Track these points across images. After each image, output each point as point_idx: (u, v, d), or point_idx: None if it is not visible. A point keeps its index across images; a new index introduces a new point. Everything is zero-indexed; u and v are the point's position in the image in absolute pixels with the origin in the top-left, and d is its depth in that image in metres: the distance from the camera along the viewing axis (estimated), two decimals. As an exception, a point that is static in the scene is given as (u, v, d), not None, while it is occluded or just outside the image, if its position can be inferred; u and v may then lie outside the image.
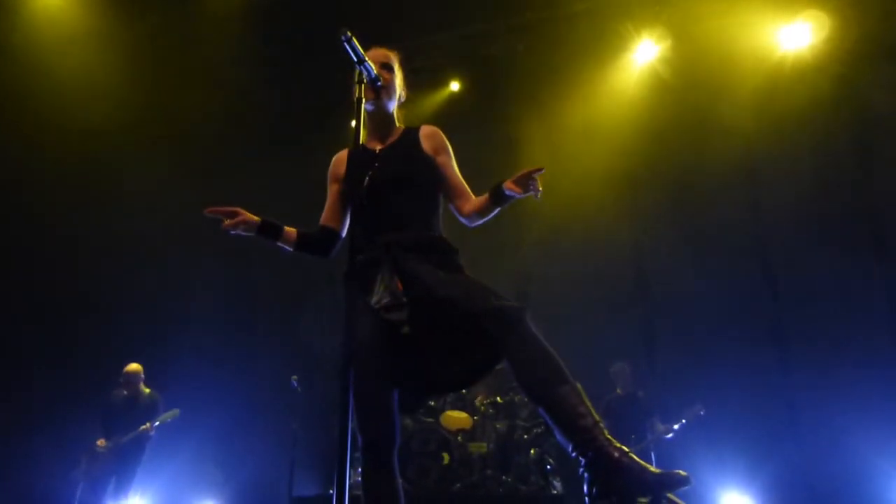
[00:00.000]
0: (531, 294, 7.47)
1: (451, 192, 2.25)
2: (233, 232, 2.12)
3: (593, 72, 7.53)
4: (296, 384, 5.73)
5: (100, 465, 5.57)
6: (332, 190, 2.35)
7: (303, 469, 5.93)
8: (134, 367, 5.88)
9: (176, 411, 5.80)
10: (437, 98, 7.91)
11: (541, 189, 1.97)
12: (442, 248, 2.10)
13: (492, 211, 2.13)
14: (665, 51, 7.26)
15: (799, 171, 6.68)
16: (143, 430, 5.62)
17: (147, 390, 5.90)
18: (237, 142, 7.00)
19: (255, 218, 2.16)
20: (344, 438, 1.60)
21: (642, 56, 7.36)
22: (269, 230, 2.20)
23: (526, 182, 1.96)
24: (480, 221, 2.19)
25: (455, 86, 7.90)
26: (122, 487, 5.62)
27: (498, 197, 2.06)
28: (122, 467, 5.62)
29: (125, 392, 5.83)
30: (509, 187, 1.98)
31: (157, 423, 5.69)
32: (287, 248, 2.28)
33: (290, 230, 2.26)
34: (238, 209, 2.14)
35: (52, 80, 5.99)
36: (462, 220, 2.24)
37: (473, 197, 2.23)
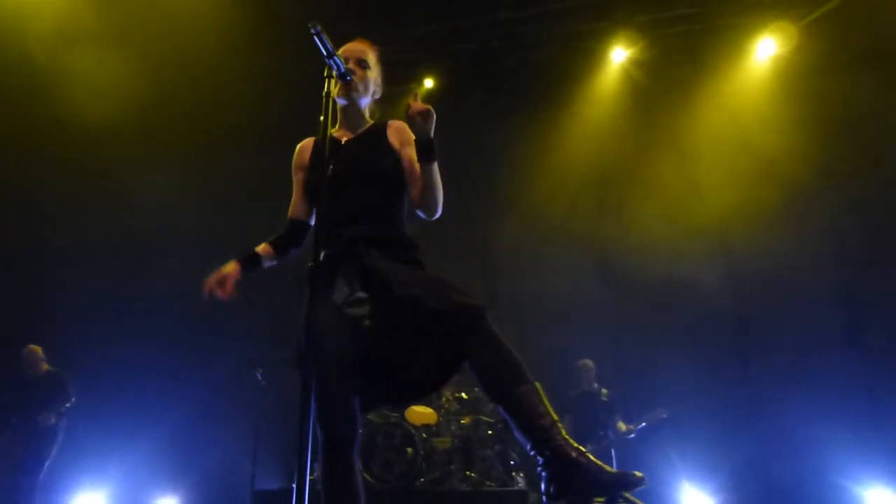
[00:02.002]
0: (499, 293, 7.51)
1: (410, 184, 2.18)
2: (227, 297, 2.09)
3: (568, 71, 7.58)
4: (260, 377, 5.68)
5: (9, 453, 5.37)
6: (297, 178, 2.31)
7: (265, 463, 5.89)
8: (32, 347, 5.76)
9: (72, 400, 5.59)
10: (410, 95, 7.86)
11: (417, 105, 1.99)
12: (404, 244, 2.08)
13: (425, 171, 2.03)
14: (638, 53, 7.33)
15: (766, 172, 6.84)
16: (42, 419, 5.38)
17: (49, 369, 5.74)
18: (232, 138, 6.88)
19: (234, 265, 2.15)
20: (304, 432, 1.59)
21: (618, 56, 7.41)
22: (250, 263, 2.19)
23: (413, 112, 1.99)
24: (429, 198, 2.07)
25: (429, 83, 7.84)
26: (32, 470, 5.39)
27: (418, 147, 2.03)
28: (35, 447, 5.41)
29: (27, 373, 5.67)
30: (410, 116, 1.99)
31: (61, 411, 5.47)
32: (271, 264, 2.25)
33: (264, 248, 2.24)
34: (218, 274, 2.11)
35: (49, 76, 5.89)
36: (419, 213, 2.16)
37: None
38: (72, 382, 5.69)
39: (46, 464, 5.47)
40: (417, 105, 2.01)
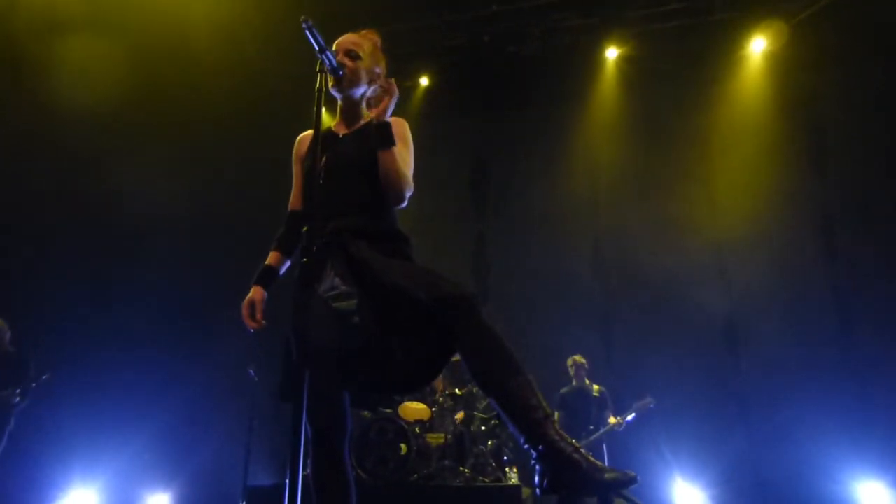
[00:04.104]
0: (491, 286, 7.52)
1: None
2: (260, 326, 2.14)
3: (561, 66, 7.57)
4: (252, 373, 5.67)
5: None
6: (297, 170, 2.30)
7: (258, 459, 5.88)
8: None
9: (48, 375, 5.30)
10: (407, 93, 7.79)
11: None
12: (393, 237, 2.07)
13: (383, 159, 2.01)
14: (630, 48, 7.33)
15: (758, 169, 6.88)
16: (6, 395, 5.07)
17: (12, 348, 5.40)
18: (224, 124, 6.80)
19: (257, 290, 2.17)
20: (297, 428, 1.59)
21: (610, 51, 7.42)
22: (269, 280, 2.20)
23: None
24: (388, 185, 2.04)
25: (424, 81, 7.81)
26: None
27: (374, 132, 2.02)
28: None
29: None
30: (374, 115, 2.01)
31: (23, 390, 5.15)
32: (286, 268, 2.25)
33: (273, 257, 2.23)
34: (247, 306, 2.14)
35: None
36: (394, 204, 2.11)
37: None
38: (34, 363, 5.35)
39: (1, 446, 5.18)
40: (386, 82, 2.02)
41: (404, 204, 2.09)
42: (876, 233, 6.51)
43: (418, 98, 7.85)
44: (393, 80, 2.05)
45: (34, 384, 5.24)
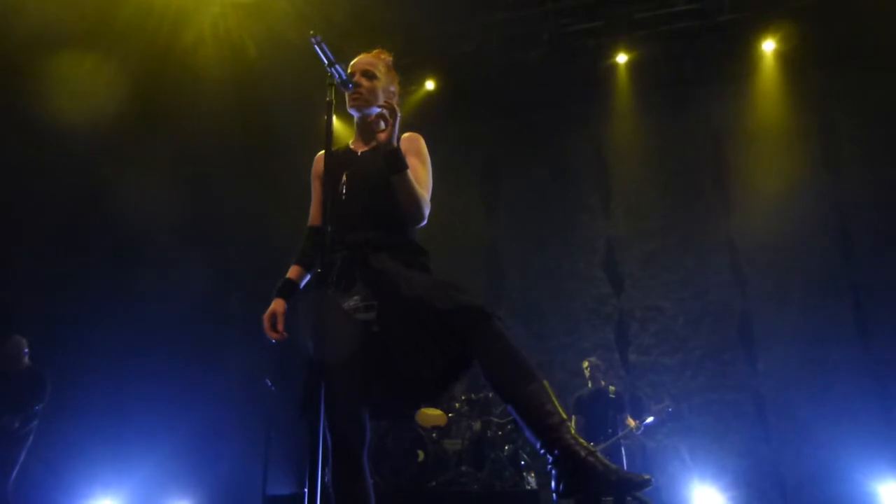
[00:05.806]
0: (504, 290, 7.52)
1: None
2: (281, 337, 2.16)
3: (568, 70, 7.58)
4: (270, 383, 5.71)
5: None
6: (316, 187, 2.35)
7: (277, 467, 5.91)
8: (16, 338, 5.25)
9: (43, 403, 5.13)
10: (414, 98, 7.81)
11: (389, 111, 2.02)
12: (411, 250, 2.11)
13: (397, 183, 2.01)
14: (637, 51, 7.33)
15: (772, 168, 6.86)
16: (5, 422, 4.92)
17: (29, 365, 5.26)
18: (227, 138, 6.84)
19: (279, 302, 2.20)
20: (315, 437, 1.61)
21: (618, 53, 7.43)
22: (290, 293, 2.23)
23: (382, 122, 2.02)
24: (404, 207, 2.06)
25: (430, 85, 7.84)
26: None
27: (384, 159, 2.01)
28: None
29: (2, 366, 5.14)
30: (380, 139, 2.01)
31: (29, 413, 5.02)
32: (306, 281, 2.30)
33: (294, 271, 2.27)
34: (269, 316, 2.17)
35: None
36: (413, 224, 2.14)
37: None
38: (52, 383, 5.24)
39: (15, 470, 5.06)
40: (386, 104, 2.04)
41: (424, 223, 2.12)
42: (892, 230, 6.45)
43: (428, 105, 7.86)
44: (394, 102, 2.08)
45: (37, 408, 5.08)
